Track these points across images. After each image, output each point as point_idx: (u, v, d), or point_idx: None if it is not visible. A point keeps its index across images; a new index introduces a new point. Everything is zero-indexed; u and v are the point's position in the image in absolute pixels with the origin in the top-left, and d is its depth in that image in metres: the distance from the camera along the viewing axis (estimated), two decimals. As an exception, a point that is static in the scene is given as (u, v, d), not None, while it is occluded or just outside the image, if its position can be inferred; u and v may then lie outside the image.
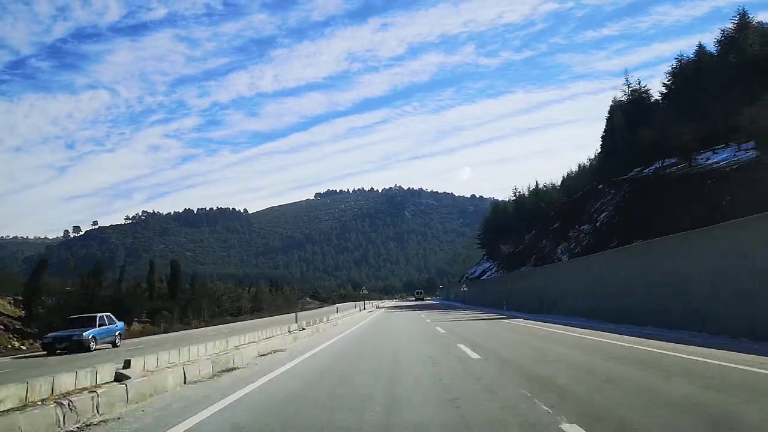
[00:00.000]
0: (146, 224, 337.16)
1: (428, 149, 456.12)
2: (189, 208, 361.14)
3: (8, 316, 36.09)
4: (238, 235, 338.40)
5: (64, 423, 6.59)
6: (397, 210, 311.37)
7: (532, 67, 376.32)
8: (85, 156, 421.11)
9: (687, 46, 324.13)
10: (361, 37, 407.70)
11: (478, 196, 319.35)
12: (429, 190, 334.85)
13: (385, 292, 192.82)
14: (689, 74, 52.11)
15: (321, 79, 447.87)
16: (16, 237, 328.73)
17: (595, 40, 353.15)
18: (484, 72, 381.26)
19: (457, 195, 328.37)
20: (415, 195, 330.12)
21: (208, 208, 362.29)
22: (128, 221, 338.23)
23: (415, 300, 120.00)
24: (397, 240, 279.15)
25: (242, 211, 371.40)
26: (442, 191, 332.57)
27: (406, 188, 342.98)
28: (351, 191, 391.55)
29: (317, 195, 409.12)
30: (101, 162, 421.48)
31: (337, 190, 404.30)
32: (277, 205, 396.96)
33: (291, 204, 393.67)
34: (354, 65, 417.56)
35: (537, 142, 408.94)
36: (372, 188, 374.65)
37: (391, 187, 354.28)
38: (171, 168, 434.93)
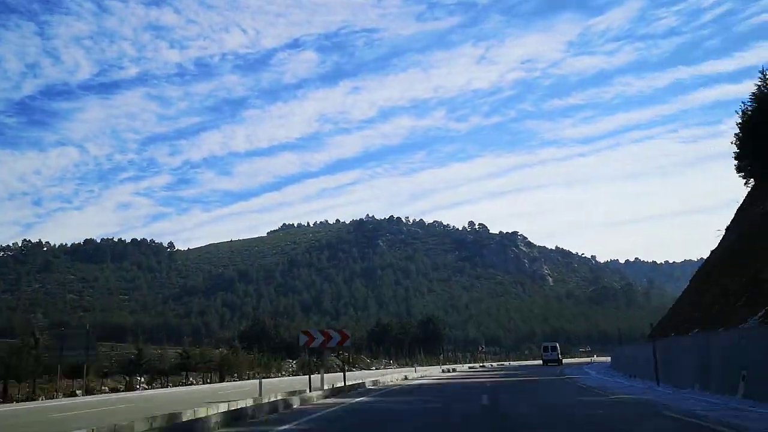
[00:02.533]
0: (25, 257, 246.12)
1: (401, 211, 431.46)
2: (91, 239, 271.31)
3: None
4: (152, 273, 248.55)
5: None
6: (368, 239, 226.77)
7: (502, 132, 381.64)
8: (53, 213, 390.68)
9: (651, 116, 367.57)
10: (332, 99, 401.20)
11: (478, 225, 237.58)
12: (411, 220, 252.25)
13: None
14: None
15: (293, 139, 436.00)
16: None
17: (562, 108, 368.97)
18: (454, 136, 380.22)
19: (448, 224, 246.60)
20: (393, 223, 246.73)
21: (116, 239, 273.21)
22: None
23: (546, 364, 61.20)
24: (366, 277, 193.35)
25: (165, 245, 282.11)
26: (430, 220, 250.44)
27: (380, 218, 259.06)
28: (311, 224, 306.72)
29: (269, 232, 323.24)
30: (69, 219, 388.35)
31: (295, 224, 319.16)
32: (217, 242, 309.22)
33: (235, 241, 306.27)
34: (325, 126, 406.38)
35: (509, 205, 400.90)
36: (337, 220, 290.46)
37: (361, 218, 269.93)
38: (141, 226, 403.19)
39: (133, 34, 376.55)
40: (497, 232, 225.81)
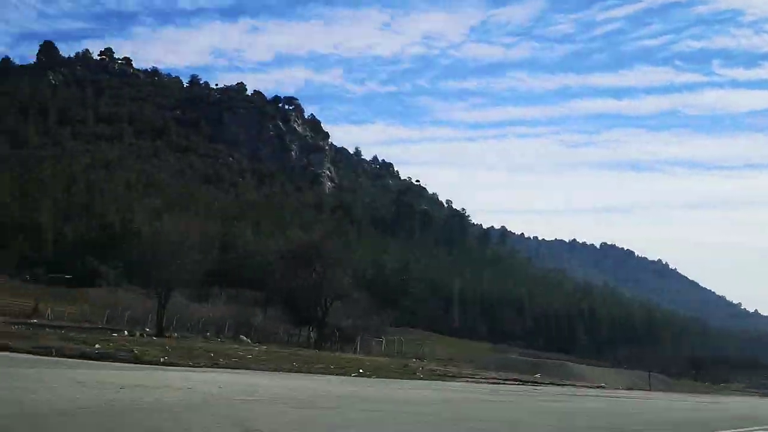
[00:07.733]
0: None
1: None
2: None
3: None
4: None
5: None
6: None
7: (395, 102, 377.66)
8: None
9: (538, 114, 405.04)
10: (229, 35, 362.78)
11: (220, 84, 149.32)
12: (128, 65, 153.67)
13: None
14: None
15: (182, 67, 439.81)
16: None
17: (456, 91, 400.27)
18: (351, 98, 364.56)
19: (169, 72, 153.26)
20: (93, 62, 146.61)
21: None
22: None
23: None
24: None
25: None
26: (148, 66, 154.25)
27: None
28: None
29: None
30: None
31: None
32: None
33: None
34: (219, 61, 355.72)
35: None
36: None
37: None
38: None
39: None
40: (251, 93, 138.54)
